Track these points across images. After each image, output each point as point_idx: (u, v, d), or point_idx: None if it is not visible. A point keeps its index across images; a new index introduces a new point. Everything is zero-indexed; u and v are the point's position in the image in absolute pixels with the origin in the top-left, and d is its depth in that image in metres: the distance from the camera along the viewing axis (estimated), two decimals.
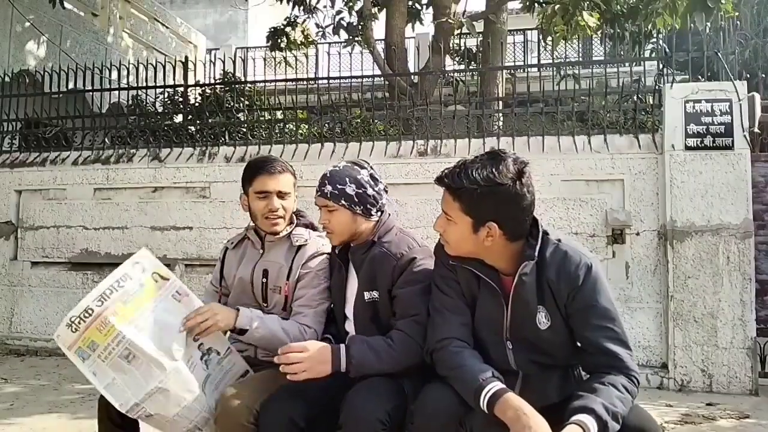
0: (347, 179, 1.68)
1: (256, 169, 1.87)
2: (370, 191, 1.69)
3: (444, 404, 1.38)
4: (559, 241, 1.45)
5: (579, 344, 1.46)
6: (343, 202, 1.67)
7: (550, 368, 1.49)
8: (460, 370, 1.40)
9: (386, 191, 1.76)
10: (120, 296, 1.55)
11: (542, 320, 1.43)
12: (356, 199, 1.67)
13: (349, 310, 1.76)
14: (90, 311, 1.51)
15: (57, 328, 1.53)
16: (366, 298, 1.69)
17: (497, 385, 1.34)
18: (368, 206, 1.69)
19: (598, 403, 1.28)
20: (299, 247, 1.88)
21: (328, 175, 1.71)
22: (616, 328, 1.40)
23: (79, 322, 1.51)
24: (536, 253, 1.41)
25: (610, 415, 1.27)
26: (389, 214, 1.77)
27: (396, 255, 1.65)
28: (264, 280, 1.88)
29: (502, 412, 1.30)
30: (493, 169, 1.36)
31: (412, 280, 1.61)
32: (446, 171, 1.44)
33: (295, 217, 1.95)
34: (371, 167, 1.75)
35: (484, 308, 1.50)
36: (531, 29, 7.86)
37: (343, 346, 1.55)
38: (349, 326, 1.76)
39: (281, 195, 1.86)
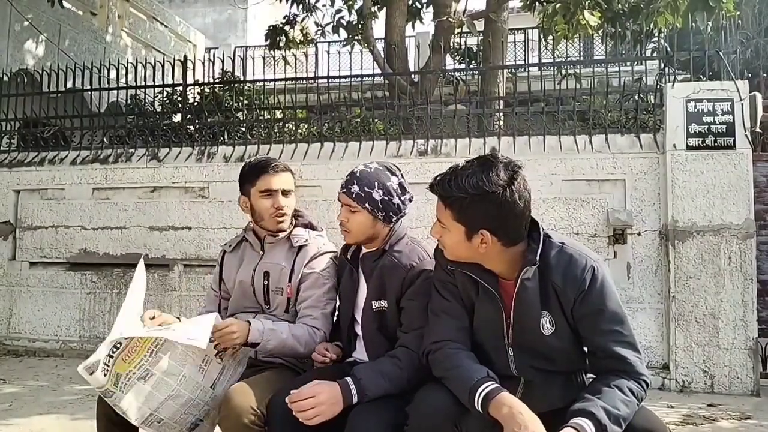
0: (376, 183, 1.65)
1: (259, 169, 1.87)
2: (396, 200, 1.67)
3: (439, 405, 1.37)
4: (563, 244, 1.43)
5: (587, 349, 1.45)
6: (367, 205, 1.65)
7: (553, 374, 1.47)
8: (454, 371, 1.40)
9: (411, 201, 1.73)
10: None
11: (546, 325, 1.41)
12: (381, 206, 1.65)
13: (358, 314, 1.76)
14: (117, 346, 1.53)
15: (88, 375, 1.50)
16: (374, 307, 1.68)
17: (492, 384, 1.33)
18: (390, 214, 1.68)
19: (599, 406, 1.26)
20: (300, 248, 1.87)
21: (357, 174, 1.67)
22: (625, 331, 1.38)
23: (108, 362, 1.52)
24: (538, 258, 1.39)
25: (611, 419, 1.25)
26: (401, 222, 1.75)
27: (406, 266, 1.63)
28: (265, 282, 1.87)
29: (496, 410, 1.28)
30: (483, 177, 1.33)
31: (420, 293, 1.59)
32: (438, 178, 1.41)
33: (293, 218, 1.94)
34: (402, 175, 1.72)
35: (483, 313, 1.48)
36: (532, 28, 7.82)
37: (351, 381, 1.50)
38: (359, 329, 1.77)
39: (285, 193, 1.88)
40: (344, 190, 1.68)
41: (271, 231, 1.90)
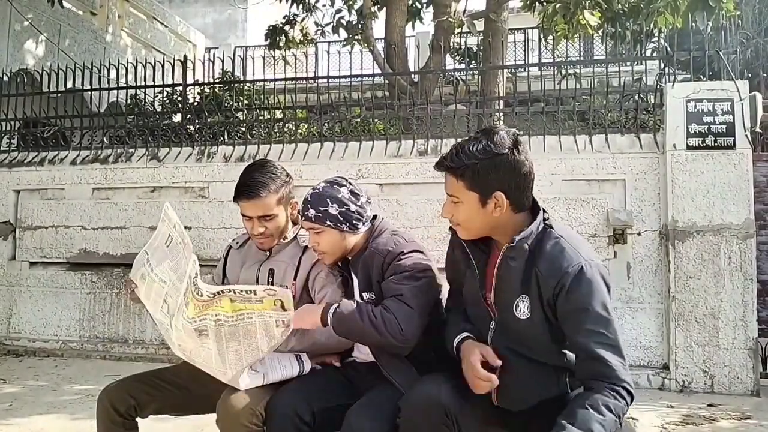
0: (328, 200, 1.71)
1: (238, 191, 1.83)
2: (353, 207, 1.72)
3: (430, 397, 1.39)
4: (561, 237, 1.43)
5: (570, 350, 1.43)
6: (328, 222, 1.70)
7: (532, 363, 1.46)
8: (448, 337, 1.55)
9: (369, 202, 1.78)
10: (237, 296, 1.55)
11: (522, 309, 1.42)
12: (341, 218, 1.70)
13: None
14: (210, 294, 1.52)
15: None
16: (365, 298, 1.71)
17: (467, 335, 1.50)
18: (354, 222, 1.72)
19: None
20: (305, 248, 1.87)
21: (309, 198, 1.73)
22: (609, 333, 1.35)
23: (196, 290, 1.51)
24: (529, 242, 1.41)
25: None
26: (382, 218, 1.80)
27: (383, 252, 1.68)
28: (270, 279, 1.86)
29: (461, 351, 1.47)
30: (489, 142, 1.40)
31: (397, 271, 1.64)
32: (444, 155, 1.47)
33: (298, 217, 1.93)
34: (350, 182, 1.77)
35: (468, 285, 1.55)
36: (532, 28, 7.82)
37: (335, 304, 1.62)
38: None
39: (264, 218, 1.82)
40: (303, 217, 1.74)
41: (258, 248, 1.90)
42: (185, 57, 5.34)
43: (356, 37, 6.82)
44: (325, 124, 4.79)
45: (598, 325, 1.34)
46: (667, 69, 4.26)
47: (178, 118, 5.19)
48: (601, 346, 1.33)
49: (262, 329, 1.53)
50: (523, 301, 1.41)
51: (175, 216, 1.64)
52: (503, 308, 1.46)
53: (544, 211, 1.47)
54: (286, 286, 1.83)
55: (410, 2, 6.71)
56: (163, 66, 4.87)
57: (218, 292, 1.52)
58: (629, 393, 1.32)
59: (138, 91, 5.60)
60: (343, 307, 1.60)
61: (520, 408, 1.45)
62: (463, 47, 7.67)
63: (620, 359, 1.34)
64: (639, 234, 3.80)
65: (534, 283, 1.40)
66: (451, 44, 6.81)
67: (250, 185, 1.81)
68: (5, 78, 5.31)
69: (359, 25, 6.73)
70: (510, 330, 1.46)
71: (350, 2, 6.98)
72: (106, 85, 5.12)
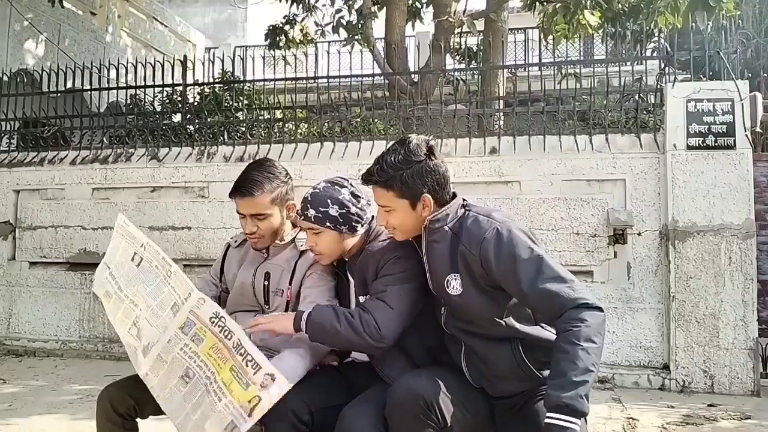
0: (329, 201, 1.69)
1: (233, 188, 1.82)
2: (353, 209, 1.71)
3: (408, 388, 1.44)
4: (478, 214, 1.55)
5: (521, 304, 1.50)
6: (328, 224, 1.69)
7: (484, 339, 1.54)
8: None
9: (369, 205, 1.77)
10: (240, 365, 1.40)
11: (454, 285, 1.52)
12: (341, 220, 1.69)
13: None
14: (236, 343, 1.40)
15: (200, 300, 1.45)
16: (361, 302, 1.71)
17: None
18: (353, 224, 1.71)
19: (550, 395, 1.30)
20: (302, 252, 1.86)
21: (309, 198, 1.71)
22: (545, 269, 1.42)
23: (220, 322, 1.42)
24: (450, 225, 1.55)
25: (568, 390, 1.28)
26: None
27: (377, 254, 1.68)
28: (266, 282, 1.86)
29: None
30: (408, 152, 1.55)
31: (386, 274, 1.64)
32: (368, 170, 1.59)
33: (297, 219, 1.93)
34: (351, 184, 1.75)
35: (422, 279, 1.65)
36: (532, 28, 7.82)
37: (307, 311, 1.60)
38: None
39: (257, 217, 1.80)
40: (302, 217, 1.73)
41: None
42: (185, 57, 5.34)
43: (356, 37, 6.83)
44: (325, 124, 4.79)
45: (531, 267, 1.43)
46: (667, 69, 4.25)
47: (178, 118, 5.18)
48: (544, 281, 1.41)
49: (215, 419, 1.39)
50: (455, 279, 1.52)
51: (143, 236, 1.60)
52: (440, 289, 1.56)
53: (464, 199, 1.62)
54: (283, 291, 1.83)
55: (410, 2, 6.72)
56: (162, 66, 4.87)
57: (240, 344, 1.40)
58: (591, 306, 1.37)
59: (138, 91, 5.60)
60: (316, 311, 1.58)
61: (492, 385, 1.54)
62: (463, 47, 7.66)
63: (566, 284, 1.41)
64: (639, 234, 3.79)
65: (461, 260, 1.51)
66: (451, 44, 6.80)
67: (245, 183, 1.80)
68: (5, 78, 5.31)
69: (359, 25, 6.73)
70: (455, 310, 1.56)
71: (350, 2, 6.98)
72: (106, 85, 5.12)
